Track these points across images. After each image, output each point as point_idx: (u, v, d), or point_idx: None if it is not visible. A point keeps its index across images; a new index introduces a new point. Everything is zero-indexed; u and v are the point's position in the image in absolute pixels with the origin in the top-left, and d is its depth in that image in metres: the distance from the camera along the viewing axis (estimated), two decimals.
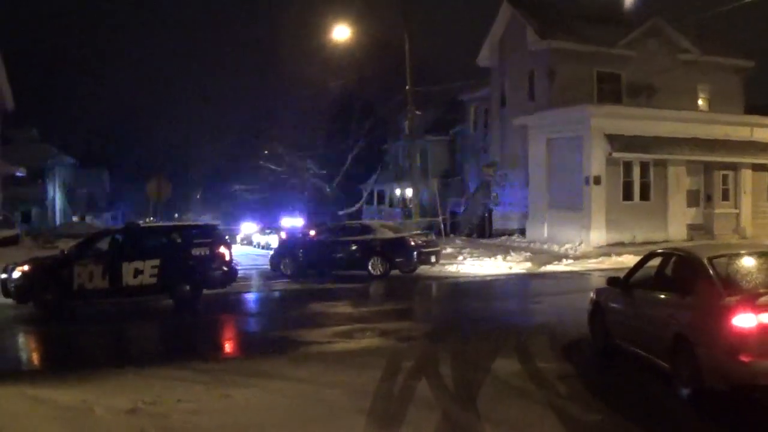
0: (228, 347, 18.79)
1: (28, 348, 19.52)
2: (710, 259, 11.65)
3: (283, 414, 10.99)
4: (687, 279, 12.01)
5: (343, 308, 23.11)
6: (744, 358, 10.06)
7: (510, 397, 11.49)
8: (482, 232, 50.77)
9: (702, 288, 11.39)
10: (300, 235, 39.33)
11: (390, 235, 32.53)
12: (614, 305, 14.33)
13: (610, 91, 45.23)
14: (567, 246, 37.95)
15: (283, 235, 54.34)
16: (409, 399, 11.39)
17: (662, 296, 12.62)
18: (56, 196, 77.35)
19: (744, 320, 10.14)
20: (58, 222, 70.68)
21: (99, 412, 11.03)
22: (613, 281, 14.52)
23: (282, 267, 33.44)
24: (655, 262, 13.85)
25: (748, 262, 12.04)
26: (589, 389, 12.26)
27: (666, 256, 13.60)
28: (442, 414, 10.66)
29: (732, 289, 10.94)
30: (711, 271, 11.36)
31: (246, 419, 10.71)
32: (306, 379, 12.98)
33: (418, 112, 46.75)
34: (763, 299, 10.27)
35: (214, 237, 25.61)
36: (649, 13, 45.59)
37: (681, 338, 11.35)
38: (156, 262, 23.68)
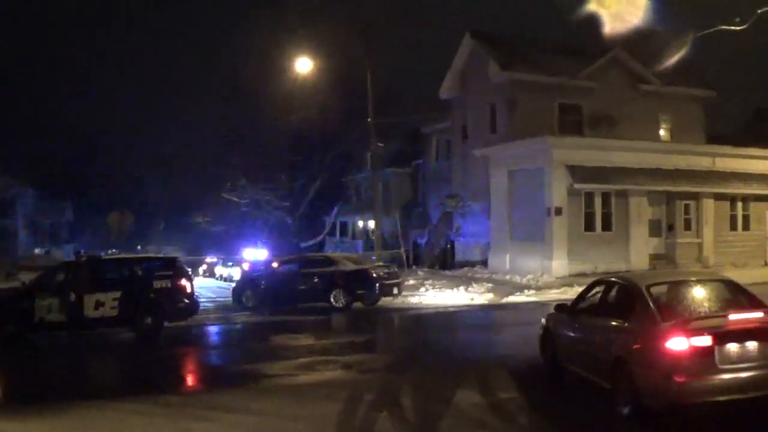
0: (189, 380, 18.72)
1: None
2: (648, 287, 12.61)
3: None
4: (626, 305, 12.82)
5: (305, 341, 23.08)
6: (678, 379, 10.85)
7: (470, 429, 11.54)
8: (444, 264, 50.81)
9: (639, 314, 12.24)
10: (262, 268, 39.15)
11: (352, 267, 32.51)
12: (562, 330, 15.16)
13: (572, 122, 45.45)
14: (529, 277, 37.92)
15: (246, 266, 54.23)
16: (370, 431, 11.41)
17: (604, 321, 13.36)
18: (19, 228, 76.91)
19: (677, 343, 10.98)
20: (20, 254, 70.23)
21: None
22: (560, 308, 15.39)
23: (244, 299, 33.34)
24: (600, 289, 14.56)
25: (683, 290, 13.06)
26: (549, 420, 12.32)
27: (608, 284, 14.34)
28: None
29: (667, 314, 11.81)
30: (648, 299, 12.28)
31: None
32: (268, 413, 12.98)
33: (380, 144, 46.83)
34: (694, 324, 11.23)
35: (175, 269, 25.56)
36: (609, 45, 45.91)
37: (621, 360, 12.10)
38: (117, 294, 23.68)
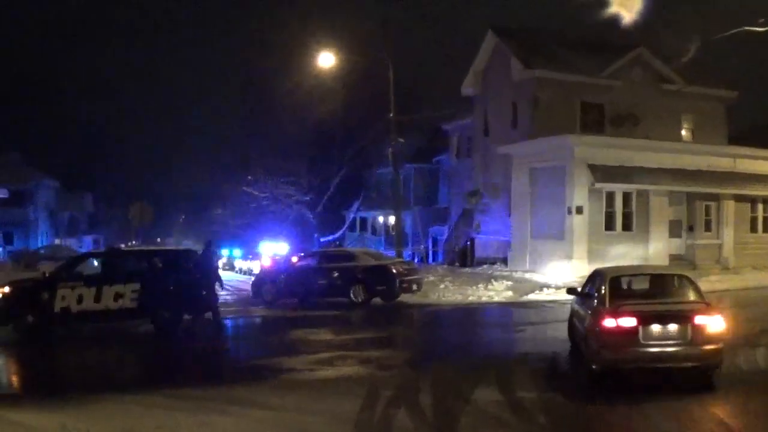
0: (208, 374, 18.68)
1: (7, 372, 19.46)
2: (612, 278, 15.87)
3: None
4: (597, 292, 15.93)
5: (324, 335, 23.07)
6: (608, 349, 14.28)
7: (489, 427, 11.51)
8: (464, 261, 50.59)
9: (599, 298, 15.48)
10: (282, 261, 39.09)
11: (372, 262, 32.42)
12: (572, 311, 18.67)
13: (594, 120, 45.23)
14: (549, 275, 37.82)
15: (266, 261, 54.20)
16: (388, 428, 11.42)
17: (584, 303, 16.76)
18: (39, 218, 77.12)
19: (609, 322, 14.24)
20: (40, 244, 70.43)
21: None
22: (570, 291, 19.13)
23: (263, 293, 33.31)
24: (592, 277, 17.73)
25: (637, 281, 17.41)
26: (568, 419, 12.28)
27: (595, 273, 17.31)
28: None
29: (614, 300, 14.96)
30: (606, 287, 15.43)
31: None
32: (287, 407, 12.97)
33: (401, 140, 46.65)
34: (624, 308, 14.44)
35: (195, 262, 25.55)
36: (633, 43, 45.68)
37: (586, 334, 15.54)
38: (137, 286, 23.63)
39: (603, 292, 15.36)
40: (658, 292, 16.29)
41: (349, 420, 11.75)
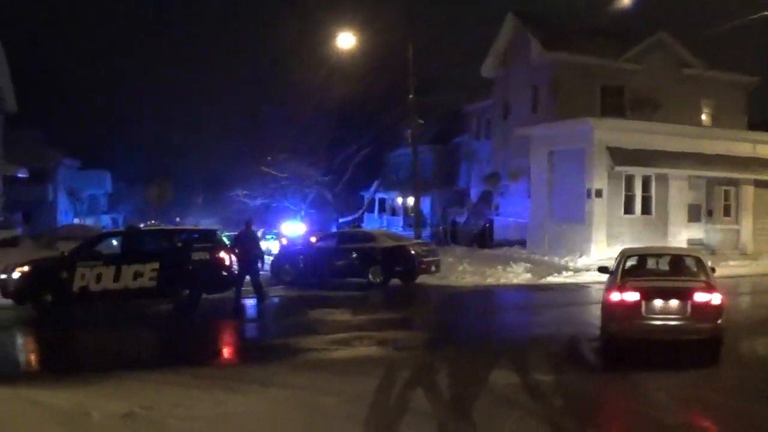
0: (226, 353, 18.80)
1: (25, 350, 19.56)
2: (628, 256, 17.51)
3: (277, 421, 11.00)
4: (615, 268, 17.19)
5: (342, 316, 23.03)
6: (614, 321, 15.73)
7: (505, 410, 11.48)
8: (483, 243, 50.49)
9: (614, 274, 16.84)
10: (301, 242, 39.08)
11: (390, 243, 32.35)
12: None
13: (614, 104, 45.11)
14: (567, 258, 37.74)
15: (284, 241, 54.18)
16: (404, 409, 11.41)
17: (607, 278, 17.91)
18: (58, 198, 77.22)
19: (615, 296, 15.64)
20: (59, 224, 70.50)
21: (95, 415, 11.06)
22: (601, 269, 19.37)
23: (282, 273, 33.34)
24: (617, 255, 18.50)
25: (648, 260, 18.65)
26: (585, 403, 12.29)
27: (620, 252, 18.14)
28: (436, 425, 10.67)
29: (625, 276, 16.36)
30: (620, 264, 16.90)
31: (240, 426, 10.75)
32: (302, 387, 12.98)
33: (420, 122, 46.54)
34: (630, 283, 15.79)
35: (214, 241, 25.62)
36: (653, 27, 45.53)
37: (601, 305, 17.15)
38: (155, 265, 23.68)
39: (618, 269, 16.74)
40: (669, 271, 17.46)
41: (364, 400, 11.75)
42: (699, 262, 16.99)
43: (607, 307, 16.06)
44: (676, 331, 15.33)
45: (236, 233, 28.06)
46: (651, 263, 18.74)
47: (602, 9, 43.83)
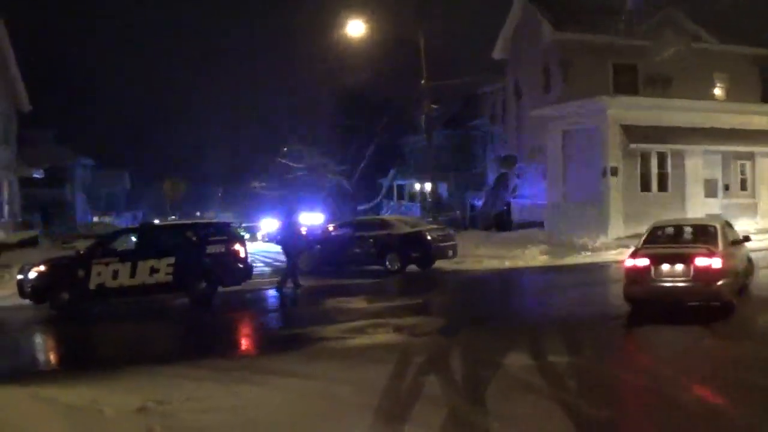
0: (241, 345, 18.89)
1: (43, 348, 19.75)
2: (652, 228, 19.81)
3: (291, 411, 11.00)
4: (640, 239, 19.44)
5: (358, 304, 23.00)
6: (630, 284, 17.89)
7: (519, 393, 11.44)
8: (501, 226, 50.41)
9: (637, 244, 19.08)
10: (318, 231, 39.05)
11: (406, 230, 32.33)
12: None
13: (626, 82, 44.95)
14: (585, 238, 37.56)
15: (303, 231, 54.21)
16: (417, 395, 11.38)
17: None
18: (76, 197, 77.47)
19: (629, 262, 17.97)
20: (77, 223, 70.76)
21: (108, 411, 11.09)
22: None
23: (300, 263, 33.32)
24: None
25: (671, 229, 20.19)
26: (600, 385, 12.22)
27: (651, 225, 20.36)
28: (449, 410, 10.61)
29: (645, 245, 18.57)
30: (645, 235, 19.38)
31: (254, 417, 10.73)
32: (317, 376, 12.98)
33: (434, 107, 46.60)
34: (641, 251, 18.02)
35: (229, 234, 25.68)
36: (663, 3, 45.39)
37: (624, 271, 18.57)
38: (171, 260, 23.82)
39: (641, 239, 19.17)
40: (684, 240, 19.36)
41: (377, 388, 11.71)
42: (714, 230, 18.53)
43: (625, 272, 18.12)
44: (681, 293, 17.26)
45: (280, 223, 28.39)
46: (674, 233, 20.00)
47: None
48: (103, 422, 10.72)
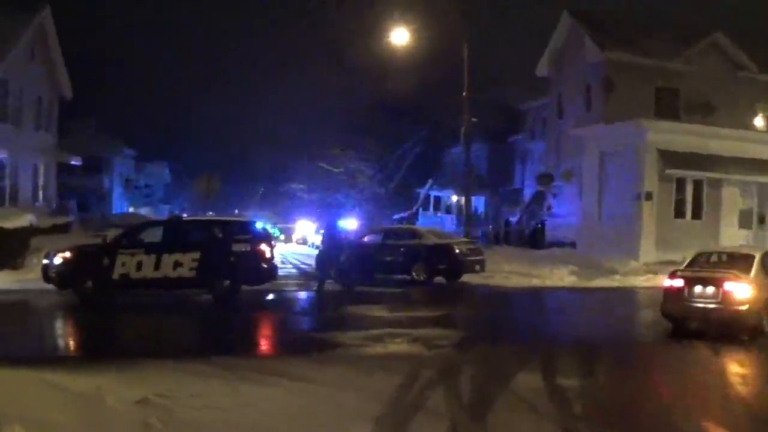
0: (255, 344, 18.88)
1: (60, 334, 19.90)
2: (696, 253, 21.41)
3: (290, 415, 10.95)
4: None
5: (379, 312, 22.84)
6: (666, 302, 19.53)
7: (523, 413, 11.33)
8: (534, 243, 50.28)
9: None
10: (347, 237, 39.04)
11: (435, 241, 32.30)
12: None
13: (667, 106, 44.78)
14: (616, 261, 37.36)
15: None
16: (420, 408, 11.31)
17: None
18: (114, 187, 77.91)
19: (666, 282, 19.69)
20: (114, 212, 71.08)
21: (109, 401, 11.10)
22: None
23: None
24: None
25: (713, 256, 21.52)
26: (606, 410, 12.11)
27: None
28: (450, 425, 10.55)
29: (687, 267, 20.23)
30: (689, 259, 21.05)
31: (253, 418, 10.69)
32: (325, 381, 12.91)
33: (474, 120, 46.42)
34: (679, 272, 19.54)
35: (255, 233, 25.66)
36: (708, 27, 45.15)
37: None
38: (196, 255, 23.81)
39: (685, 263, 20.98)
40: (722, 265, 20.39)
41: (383, 398, 11.64)
42: (751, 259, 19.55)
43: (663, 291, 19.80)
44: (712, 313, 18.56)
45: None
46: (715, 260, 21.29)
47: (659, 7, 43.62)
48: (102, 411, 10.72)
